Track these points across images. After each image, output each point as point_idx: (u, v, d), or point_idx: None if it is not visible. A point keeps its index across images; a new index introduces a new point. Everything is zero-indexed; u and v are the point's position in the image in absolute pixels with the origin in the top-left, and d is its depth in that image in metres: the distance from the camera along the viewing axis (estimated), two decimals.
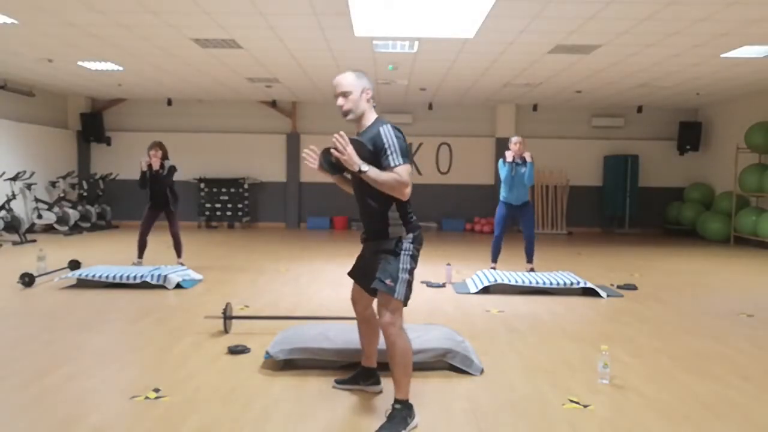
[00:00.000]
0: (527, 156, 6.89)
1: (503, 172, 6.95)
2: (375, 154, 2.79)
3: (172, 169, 7.09)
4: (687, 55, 8.15)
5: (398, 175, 2.73)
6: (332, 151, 2.78)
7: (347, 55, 8.49)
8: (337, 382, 3.39)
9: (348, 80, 2.89)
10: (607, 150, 13.49)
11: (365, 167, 2.72)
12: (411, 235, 2.89)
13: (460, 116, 13.55)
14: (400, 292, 2.82)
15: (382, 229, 2.89)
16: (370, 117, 2.93)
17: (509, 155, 6.95)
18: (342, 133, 2.74)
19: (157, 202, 7.13)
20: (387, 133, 2.79)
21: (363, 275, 3.05)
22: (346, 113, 2.91)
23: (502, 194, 7.06)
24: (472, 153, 13.54)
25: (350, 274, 3.18)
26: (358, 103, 2.89)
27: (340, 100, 2.90)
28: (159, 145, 7.04)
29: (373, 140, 2.81)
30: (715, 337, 4.56)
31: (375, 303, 3.06)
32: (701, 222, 11.99)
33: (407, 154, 2.81)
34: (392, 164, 2.74)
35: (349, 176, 3.04)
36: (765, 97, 11.00)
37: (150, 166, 6.96)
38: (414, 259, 2.90)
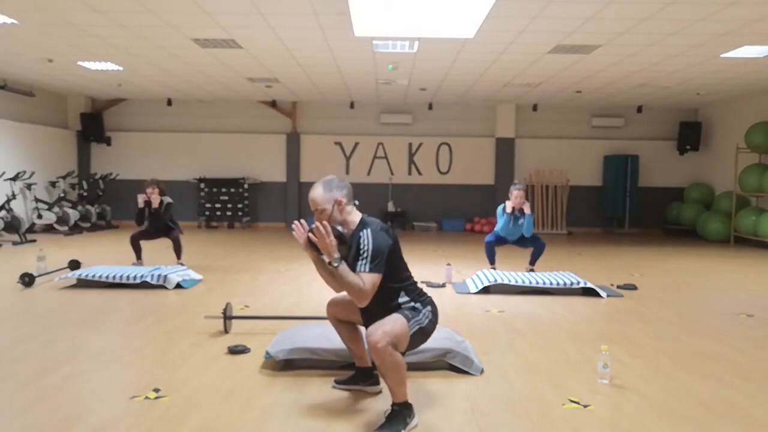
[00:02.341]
0: (526, 208, 6.83)
1: (501, 221, 6.91)
2: (355, 258, 2.83)
3: (170, 206, 7.16)
4: (687, 55, 8.16)
5: (363, 284, 2.75)
6: (309, 235, 2.81)
7: (347, 55, 8.50)
8: (337, 382, 3.38)
9: (318, 197, 2.91)
10: (607, 150, 13.49)
11: (336, 263, 2.75)
12: (429, 308, 2.97)
13: (460, 116, 13.54)
14: (413, 328, 2.83)
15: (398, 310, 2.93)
16: (354, 220, 2.96)
17: (509, 206, 6.86)
18: (325, 223, 2.77)
19: (159, 232, 7.24)
20: (365, 237, 2.83)
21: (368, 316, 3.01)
22: (324, 227, 2.89)
23: (497, 229, 7.05)
24: (472, 153, 13.54)
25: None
26: (333, 218, 2.92)
27: (317, 216, 2.93)
28: (156, 184, 7.10)
29: (356, 245, 2.85)
30: (715, 337, 4.56)
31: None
32: (701, 222, 11.99)
33: (382, 260, 2.79)
34: (359, 269, 2.78)
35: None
36: (765, 97, 11.00)
37: (147, 203, 7.00)
38: (431, 323, 2.95)
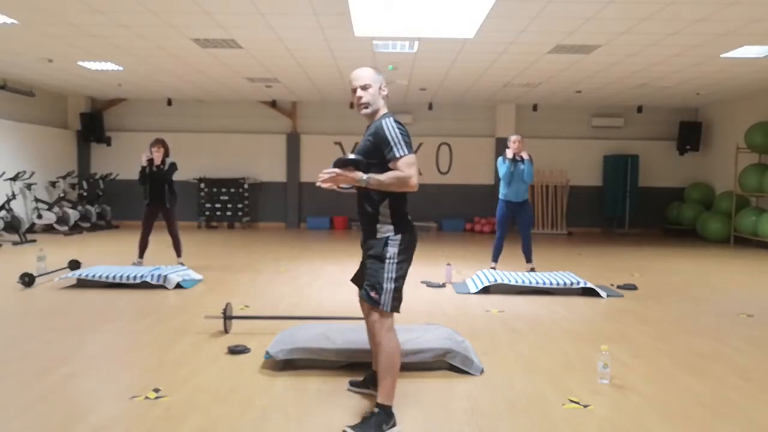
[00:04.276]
0: (524, 155, 6.95)
1: (503, 169, 6.99)
2: (376, 146, 2.78)
3: (173, 166, 7.11)
4: (687, 55, 8.15)
5: (399, 171, 2.72)
6: (318, 184, 2.79)
7: (347, 55, 8.50)
8: (351, 384, 3.37)
9: (368, 73, 2.90)
10: (607, 150, 13.49)
11: (365, 183, 2.74)
12: (399, 237, 2.81)
13: (460, 116, 13.55)
14: (386, 303, 2.78)
15: (372, 226, 2.85)
16: (382, 112, 2.93)
17: (509, 153, 7.01)
18: (322, 174, 2.76)
19: (155, 199, 7.13)
20: (389, 125, 2.79)
21: (360, 281, 3.04)
22: (365, 105, 2.89)
23: (502, 192, 7.10)
24: (472, 153, 13.54)
25: (352, 280, 3.14)
26: (376, 98, 2.90)
27: (360, 92, 2.88)
28: (162, 143, 7.06)
29: (375, 133, 2.80)
30: (715, 337, 4.56)
31: None
32: (701, 222, 11.99)
33: (410, 143, 2.79)
34: (397, 155, 2.73)
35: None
36: (765, 97, 11.00)
37: (150, 161, 6.97)
38: (401, 266, 2.82)
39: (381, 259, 2.80)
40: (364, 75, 2.90)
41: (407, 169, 2.73)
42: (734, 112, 12.05)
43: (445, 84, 10.80)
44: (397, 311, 2.84)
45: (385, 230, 2.82)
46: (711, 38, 7.21)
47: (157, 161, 7.00)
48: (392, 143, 2.75)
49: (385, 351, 2.78)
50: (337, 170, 2.73)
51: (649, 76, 9.71)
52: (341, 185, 2.84)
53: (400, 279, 2.82)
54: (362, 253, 3.03)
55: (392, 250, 2.80)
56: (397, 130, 2.77)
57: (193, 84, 11.12)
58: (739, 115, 11.79)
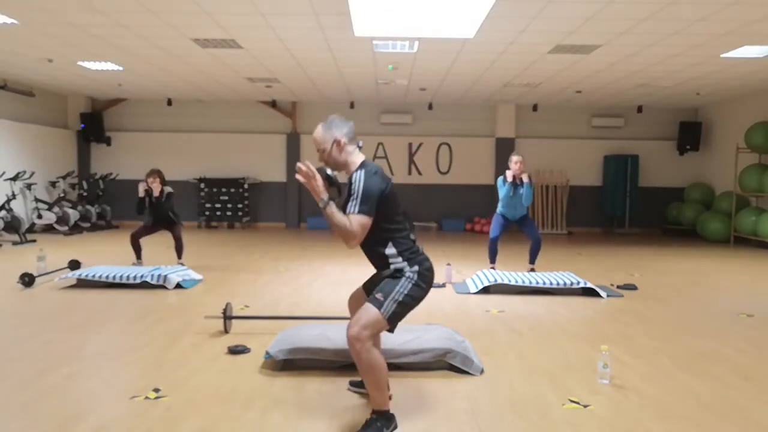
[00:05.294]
0: (525, 177, 6.86)
1: (502, 191, 6.93)
2: (348, 199, 2.77)
3: (171, 196, 7.16)
4: (687, 55, 8.16)
5: (349, 224, 2.67)
6: (297, 176, 2.71)
7: (347, 55, 8.50)
8: (351, 384, 3.37)
9: (318, 136, 2.87)
10: (607, 150, 13.49)
11: (322, 203, 2.66)
12: (416, 268, 2.83)
13: (460, 116, 13.55)
14: (388, 309, 2.73)
15: (384, 266, 2.87)
16: (356, 161, 2.86)
17: (509, 175, 6.90)
18: (307, 162, 2.67)
19: (160, 223, 7.23)
20: (357, 179, 2.75)
21: (369, 288, 3.02)
22: (327, 168, 2.88)
23: (500, 209, 7.07)
24: (472, 153, 13.54)
25: (364, 285, 3.12)
26: (332, 157, 2.85)
27: (319, 156, 2.89)
28: (157, 173, 7.09)
29: (349, 183, 2.79)
30: (715, 337, 4.56)
31: None
32: (701, 222, 11.99)
33: (372, 203, 2.71)
34: (349, 210, 2.70)
35: None
36: (765, 97, 11.00)
37: (147, 191, 7.00)
38: (415, 289, 2.80)
39: (398, 277, 2.81)
40: (316, 138, 2.88)
41: (356, 228, 2.68)
42: (734, 112, 12.05)
43: (445, 84, 10.80)
44: (392, 325, 2.80)
45: (400, 266, 2.84)
46: (711, 38, 7.21)
47: (156, 192, 7.03)
48: (353, 197, 2.72)
49: (364, 365, 2.70)
50: (316, 173, 2.68)
51: (649, 76, 9.71)
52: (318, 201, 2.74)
53: (409, 298, 2.78)
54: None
55: (409, 274, 2.81)
56: (361, 187, 2.72)
57: (193, 84, 11.12)
58: (739, 115, 11.79)
